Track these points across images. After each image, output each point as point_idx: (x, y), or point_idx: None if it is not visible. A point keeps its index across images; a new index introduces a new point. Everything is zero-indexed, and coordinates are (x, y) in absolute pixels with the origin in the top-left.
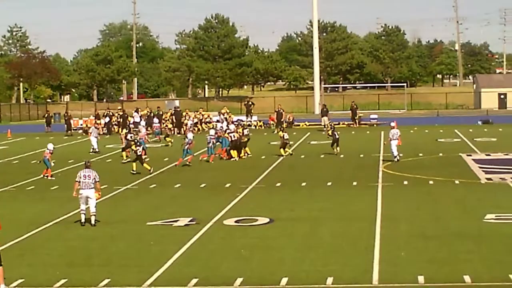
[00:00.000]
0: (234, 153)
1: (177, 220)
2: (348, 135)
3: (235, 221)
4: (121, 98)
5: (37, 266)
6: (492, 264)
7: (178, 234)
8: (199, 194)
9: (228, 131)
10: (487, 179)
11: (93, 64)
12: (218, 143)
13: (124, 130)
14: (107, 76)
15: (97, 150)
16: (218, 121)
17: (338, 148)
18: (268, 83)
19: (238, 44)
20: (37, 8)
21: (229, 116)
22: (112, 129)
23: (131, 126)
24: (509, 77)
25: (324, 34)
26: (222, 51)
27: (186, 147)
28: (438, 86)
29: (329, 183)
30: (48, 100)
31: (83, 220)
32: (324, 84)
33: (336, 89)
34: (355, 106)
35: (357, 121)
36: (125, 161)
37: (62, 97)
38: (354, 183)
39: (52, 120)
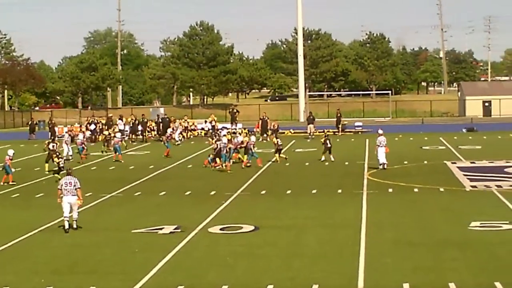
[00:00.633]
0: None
1: (162, 228)
2: (333, 142)
3: (220, 229)
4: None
5: (22, 273)
6: (477, 271)
7: (163, 242)
8: (184, 202)
9: (215, 139)
10: (472, 186)
11: (77, 71)
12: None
13: (47, 140)
14: (91, 83)
15: (70, 158)
16: (202, 128)
17: (331, 156)
18: (253, 90)
19: (223, 52)
20: (22, 15)
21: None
22: (97, 137)
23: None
24: (493, 84)
25: (309, 41)
26: (207, 58)
27: (224, 151)
28: (422, 93)
29: (314, 191)
30: (35, 108)
31: (67, 227)
32: (309, 91)
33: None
34: (339, 114)
35: (339, 128)
36: (48, 171)
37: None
38: (339, 191)
39: (37, 127)
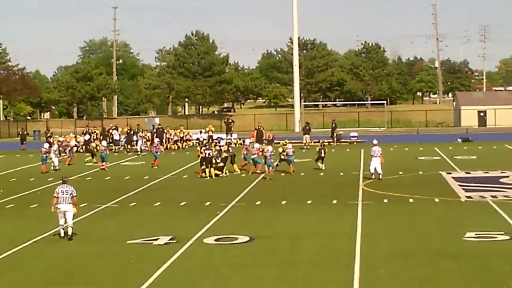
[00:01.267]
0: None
1: (157, 239)
2: (328, 153)
3: (215, 240)
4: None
5: (16, 284)
6: (472, 282)
7: (158, 253)
8: (179, 213)
9: (204, 147)
10: (467, 197)
11: (73, 81)
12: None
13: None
14: (87, 93)
15: (57, 168)
16: (197, 138)
17: (323, 165)
18: (248, 100)
19: (218, 61)
20: (17, 24)
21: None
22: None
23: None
24: (488, 94)
25: (304, 51)
26: (202, 68)
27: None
28: (418, 103)
29: (309, 201)
30: (28, 118)
31: (62, 234)
32: (304, 101)
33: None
34: (334, 124)
35: (334, 138)
36: None
37: (42, 114)
38: (334, 201)
39: (33, 138)
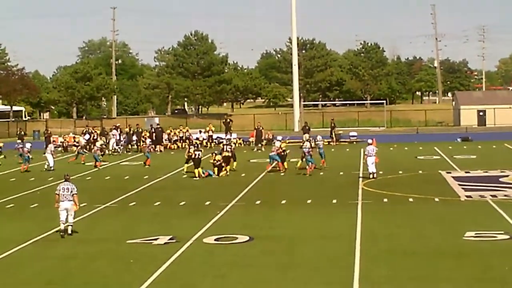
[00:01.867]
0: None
1: (157, 238)
2: (328, 152)
3: (215, 239)
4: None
5: (15, 285)
6: (472, 281)
7: (158, 252)
8: (179, 212)
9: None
10: (467, 196)
11: (72, 81)
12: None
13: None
14: (86, 93)
15: (52, 168)
16: (197, 138)
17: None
18: (248, 100)
19: (218, 61)
20: (16, 24)
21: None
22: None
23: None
24: (488, 94)
25: (303, 51)
26: (202, 68)
27: (306, 152)
28: (417, 103)
29: (309, 201)
30: (28, 118)
31: (62, 228)
32: (304, 101)
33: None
34: (333, 124)
35: (334, 138)
36: None
37: (42, 114)
38: (334, 201)
39: (32, 137)
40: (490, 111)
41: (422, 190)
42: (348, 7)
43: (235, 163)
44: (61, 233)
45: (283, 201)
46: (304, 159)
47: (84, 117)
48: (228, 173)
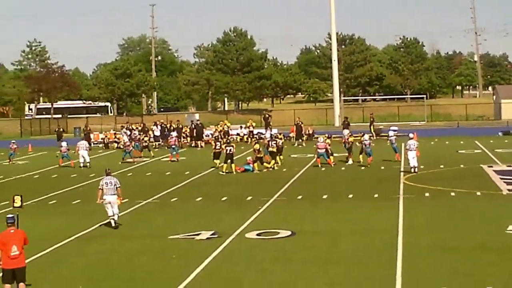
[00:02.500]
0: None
1: (199, 234)
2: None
3: (257, 234)
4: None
5: (58, 281)
6: None
7: (200, 248)
8: (221, 207)
9: (225, 144)
10: (509, 190)
11: (112, 78)
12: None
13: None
14: (126, 90)
15: (88, 165)
16: (238, 134)
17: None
18: (288, 95)
19: (257, 57)
20: (56, 23)
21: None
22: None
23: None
24: None
25: (343, 46)
26: (241, 64)
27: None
28: (457, 97)
29: (350, 196)
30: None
31: (113, 225)
32: (344, 96)
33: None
34: (372, 119)
35: (373, 133)
36: None
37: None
38: (375, 195)
39: (73, 134)
40: None
41: (463, 184)
42: (387, 2)
43: (281, 157)
44: (114, 228)
45: (325, 196)
46: (363, 153)
47: (124, 114)
48: (273, 168)
